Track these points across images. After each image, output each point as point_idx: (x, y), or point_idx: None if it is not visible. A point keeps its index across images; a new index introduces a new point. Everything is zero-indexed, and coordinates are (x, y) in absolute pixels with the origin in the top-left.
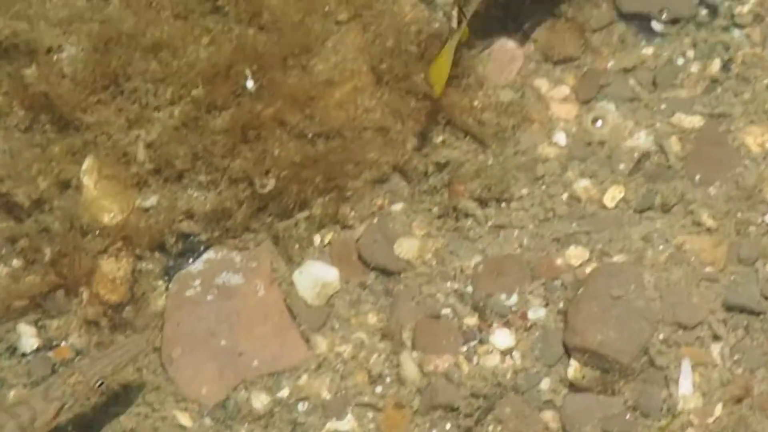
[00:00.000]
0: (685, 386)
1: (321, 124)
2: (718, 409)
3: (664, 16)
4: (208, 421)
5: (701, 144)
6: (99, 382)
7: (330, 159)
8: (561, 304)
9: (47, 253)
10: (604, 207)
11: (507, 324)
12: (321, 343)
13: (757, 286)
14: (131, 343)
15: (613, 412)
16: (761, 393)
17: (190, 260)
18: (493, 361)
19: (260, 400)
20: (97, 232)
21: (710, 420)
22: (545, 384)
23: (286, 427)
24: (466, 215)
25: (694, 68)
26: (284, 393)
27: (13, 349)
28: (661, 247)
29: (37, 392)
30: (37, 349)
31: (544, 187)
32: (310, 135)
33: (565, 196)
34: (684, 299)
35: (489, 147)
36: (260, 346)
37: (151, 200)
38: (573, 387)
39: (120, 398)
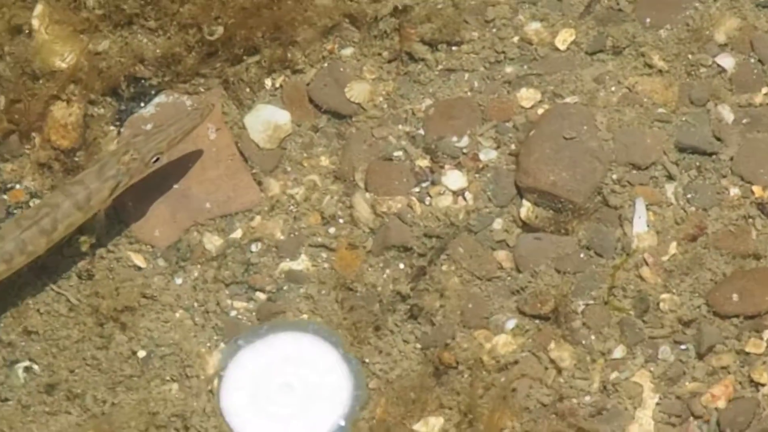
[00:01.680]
0: (639, 225)
1: None
2: (673, 248)
3: None
4: (161, 262)
5: None
6: (154, 158)
7: (279, 5)
8: (512, 146)
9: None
10: (555, 49)
11: (459, 165)
12: (273, 186)
13: (708, 126)
14: (186, 118)
15: (567, 251)
16: (715, 231)
17: (142, 104)
18: (445, 201)
19: (212, 242)
20: (49, 77)
21: (665, 258)
22: (498, 224)
23: (239, 267)
24: (417, 59)
25: None
26: (237, 234)
27: None
28: (613, 88)
29: (92, 171)
30: None
31: (494, 30)
32: None
33: (515, 39)
34: (637, 140)
35: None
36: (212, 189)
37: (102, 45)
38: (526, 227)
39: (74, 240)
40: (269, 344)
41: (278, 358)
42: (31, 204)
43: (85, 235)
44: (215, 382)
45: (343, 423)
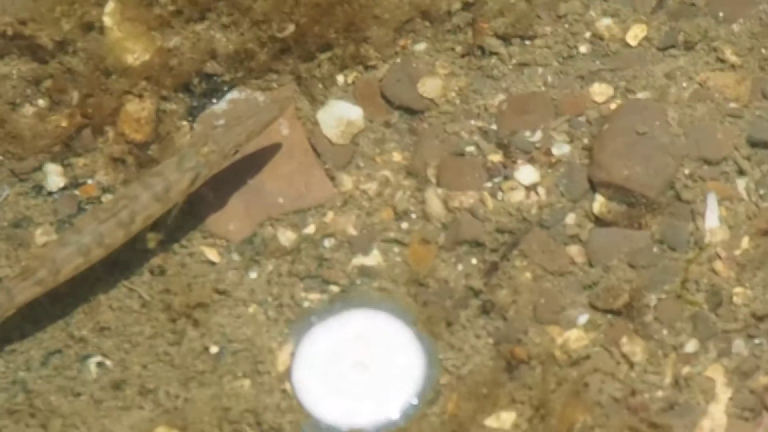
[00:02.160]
0: (712, 220)
1: None
2: (745, 242)
3: None
4: (235, 256)
5: None
6: (233, 150)
7: (352, 2)
8: (585, 140)
9: (72, 93)
10: (627, 45)
11: (531, 160)
12: (346, 181)
13: None
14: (265, 110)
15: (640, 246)
16: None
17: (214, 100)
18: (517, 196)
19: (287, 237)
20: (121, 73)
21: (737, 252)
22: (570, 219)
23: (312, 262)
24: (490, 53)
25: None
26: (310, 230)
27: (39, 188)
28: (684, 84)
29: (171, 163)
30: (64, 188)
31: (567, 25)
32: None
33: (587, 34)
34: (708, 135)
35: None
36: (285, 184)
37: (174, 41)
38: (599, 221)
39: (157, 230)
40: (342, 322)
41: (351, 336)
42: (103, 199)
43: (153, 232)
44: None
45: (415, 401)
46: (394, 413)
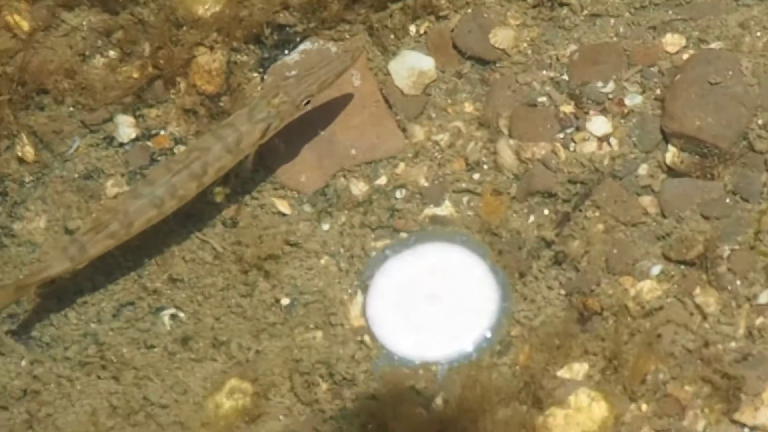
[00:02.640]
0: None
1: None
2: None
3: None
4: (307, 207)
5: None
6: (305, 101)
7: None
8: (658, 91)
9: (144, 45)
10: None
11: (603, 111)
12: (418, 132)
13: None
14: (337, 60)
15: (712, 196)
16: None
17: (286, 51)
18: (590, 147)
19: (359, 188)
20: (192, 25)
21: None
22: (643, 169)
23: (384, 213)
24: (561, 4)
25: None
26: (382, 181)
27: (110, 139)
28: (758, 33)
29: (242, 114)
30: (136, 139)
31: None
32: None
33: None
34: None
35: None
36: (358, 136)
37: None
38: (671, 172)
39: (225, 184)
40: (416, 254)
41: (425, 269)
42: (175, 150)
43: (221, 186)
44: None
45: (489, 335)
46: (467, 346)
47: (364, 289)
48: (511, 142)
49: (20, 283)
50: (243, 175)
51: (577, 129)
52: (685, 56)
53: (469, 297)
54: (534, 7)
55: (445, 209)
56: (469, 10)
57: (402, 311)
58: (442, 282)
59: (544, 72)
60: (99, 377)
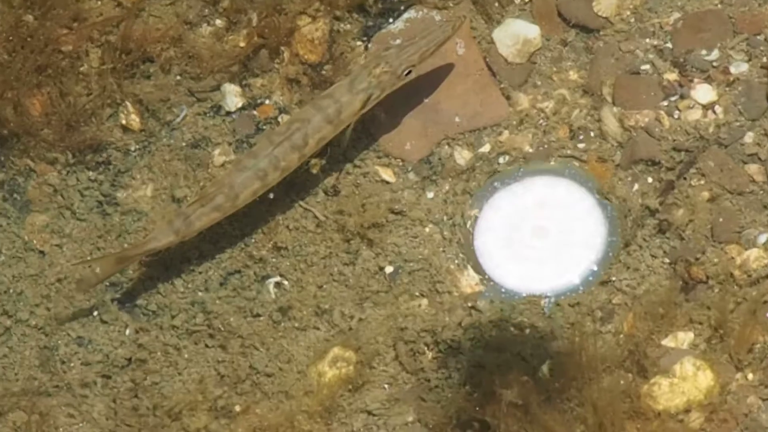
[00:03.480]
0: None
1: None
2: None
3: None
4: (411, 176)
5: None
6: (406, 71)
7: None
8: (764, 59)
9: (250, 14)
10: None
11: (708, 79)
12: (522, 100)
13: None
14: (438, 29)
15: None
16: None
17: (390, 20)
18: (694, 115)
19: (462, 156)
20: None
21: None
22: (749, 137)
23: (486, 179)
24: None
25: None
26: (486, 148)
27: (217, 108)
28: None
29: (343, 85)
30: (242, 108)
31: None
32: None
33: None
34: None
35: None
36: (461, 104)
37: None
38: None
39: (321, 155)
40: (525, 187)
41: (533, 201)
42: (279, 119)
43: (317, 158)
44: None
45: (595, 268)
46: (574, 280)
47: (470, 258)
48: (615, 109)
49: (123, 254)
50: (342, 145)
51: (681, 97)
52: None
53: (577, 230)
54: None
55: None
56: None
57: (509, 244)
58: (549, 215)
59: (648, 40)
60: (206, 345)
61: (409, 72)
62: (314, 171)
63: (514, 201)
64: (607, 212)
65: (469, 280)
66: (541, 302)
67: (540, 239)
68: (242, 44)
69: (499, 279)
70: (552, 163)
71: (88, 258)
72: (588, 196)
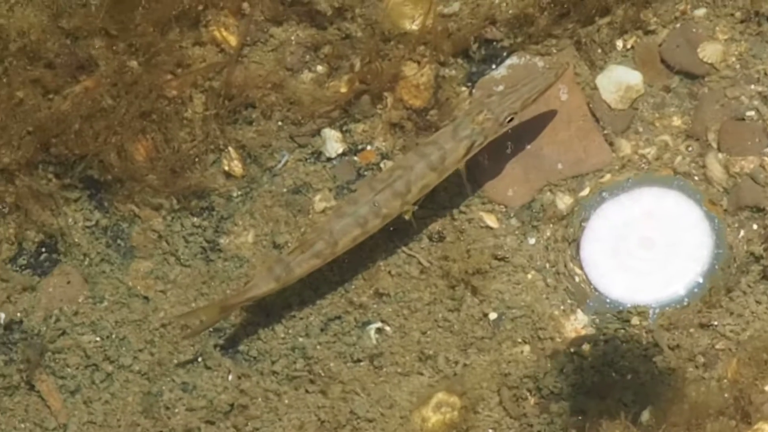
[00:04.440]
0: None
1: None
2: None
3: None
4: (514, 221)
5: None
6: (509, 118)
7: None
8: None
9: (351, 59)
10: None
11: None
12: (625, 146)
13: None
14: (540, 77)
15: None
16: None
17: (493, 66)
18: None
19: (564, 201)
20: (399, 39)
21: None
22: None
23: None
24: None
25: None
26: (585, 192)
27: (318, 154)
28: None
29: (446, 132)
30: (342, 153)
31: None
32: None
33: None
34: None
35: None
36: (564, 150)
37: (453, 7)
38: None
39: (426, 203)
40: (633, 198)
41: (641, 212)
42: (381, 165)
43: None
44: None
45: (701, 280)
46: (679, 291)
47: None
48: (720, 155)
49: (226, 303)
50: (462, 192)
51: None
52: None
53: (683, 242)
54: (742, 21)
55: None
56: (678, 25)
57: (616, 254)
58: (656, 226)
59: (752, 86)
60: (307, 391)
61: (512, 119)
62: (407, 217)
63: (621, 211)
64: (714, 225)
65: (574, 324)
66: (646, 314)
67: (646, 250)
68: (343, 90)
69: (604, 289)
70: (661, 174)
71: (193, 307)
72: (695, 208)
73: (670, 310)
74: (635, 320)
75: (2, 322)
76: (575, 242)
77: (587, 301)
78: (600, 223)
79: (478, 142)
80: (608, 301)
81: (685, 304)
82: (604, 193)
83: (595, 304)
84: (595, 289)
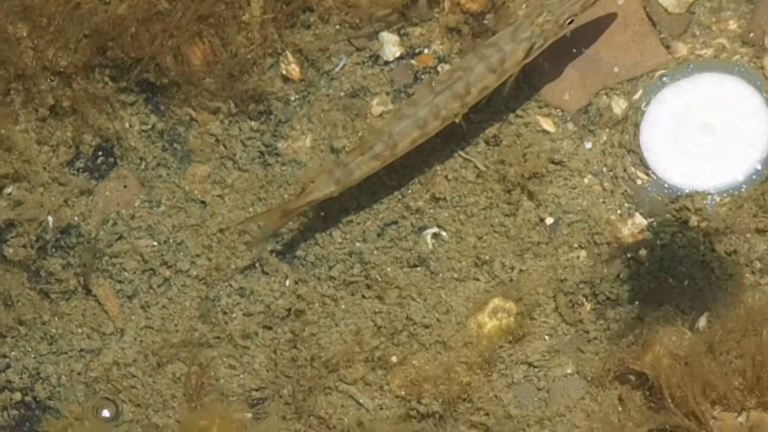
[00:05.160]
0: None
1: None
2: None
3: None
4: (570, 126)
5: None
6: (568, 20)
7: None
8: None
9: None
10: None
11: None
12: (681, 48)
13: None
14: None
15: None
16: None
17: None
18: None
19: (619, 105)
20: None
21: None
22: None
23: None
24: None
25: None
26: (638, 95)
27: (375, 57)
28: None
29: (506, 34)
30: (400, 57)
31: None
32: None
33: None
34: None
35: None
36: (620, 54)
37: None
38: None
39: (482, 106)
40: (693, 83)
41: (701, 98)
42: (438, 69)
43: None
44: (637, 116)
45: (759, 167)
46: (738, 177)
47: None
48: None
49: (286, 207)
50: (503, 94)
51: None
52: None
53: (743, 128)
54: None
55: None
56: None
57: (675, 139)
58: (716, 112)
59: None
60: (363, 296)
61: (571, 21)
62: (457, 120)
63: (682, 96)
64: None
65: (631, 229)
66: (704, 199)
67: (706, 136)
68: None
69: (662, 174)
70: (722, 59)
71: (252, 213)
72: (756, 95)
73: (725, 210)
74: (693, 221)
75: (51, 225)
76: (636, 137)
77: (646, 186)
78: (659, 108)
79: (537, 45)
80: (666, 186)
81: (743, 190)
82: (665, 78)
83: (654, 189)
84: (654, 174)
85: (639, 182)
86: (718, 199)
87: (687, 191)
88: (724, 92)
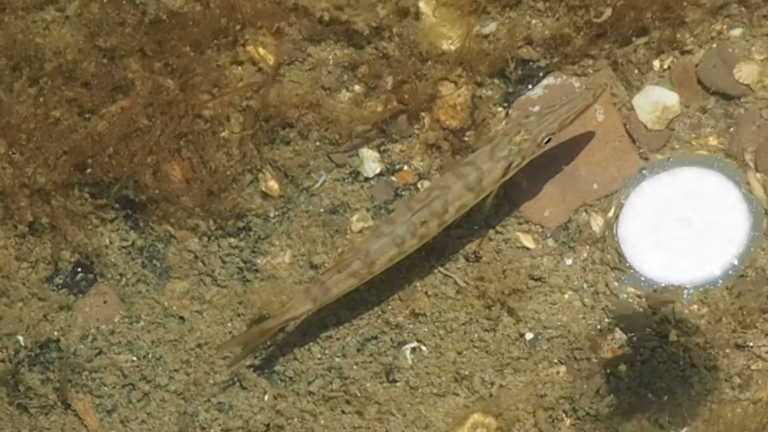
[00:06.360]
0: None
1: None
2: None
3: None
4: (550, 242)
5: None
6: (546, 139)
7: None
8: None
9: (388, 79)
10: None
11: None
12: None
13: None
14: (578, 97)
15: None
16: None
17: (530, 86)
18: None
19: (597, 222)
20: (437, 59)
21: None
22: None
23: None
24: None
25: None
26: (612, 213)
27: (356, 173)
28: None
29: (484, 152)
30: (380, 173)
31: None
32: None
33: None
34: None
35: None
36: (600, 170)
37: (490, 27)
38: None
39: (462, 222)
40: (673, 177)
41: (680, 192)
42: (419, 186)
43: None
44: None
45: (736, 262)
46: (714, 272)
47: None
48: (758, 175)
49: (264, 327)
50: (484, 212)
51: None
52: None
53: (721, 223)
54: None
55: None
56: (714, 45)
57: (653, 232)
58: (695, 206)
59: None
60: (343, 412)
61: (549, 140)
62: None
63: (661, 190)
64: (752, 207)
65: (611, 345)
66: (680, 293)
67: (684, 229)
68: (380, 109)
69: (639, 267)
70: (701, 153)
71: (230, 330)
72: (735, 190)
73: (704, 323)
74: (673, 335)
75: (23, 343)
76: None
77: (622, 279)
78: (638, 201)
79: (515, 163)
80: (643, 279)
81: (720, 285)
82: (644, 171)
83: (630, 282)
84: (631, 267)
85: (623, 296)
86: (694, 294)
87: (663, 284)
88: (704, 186)
